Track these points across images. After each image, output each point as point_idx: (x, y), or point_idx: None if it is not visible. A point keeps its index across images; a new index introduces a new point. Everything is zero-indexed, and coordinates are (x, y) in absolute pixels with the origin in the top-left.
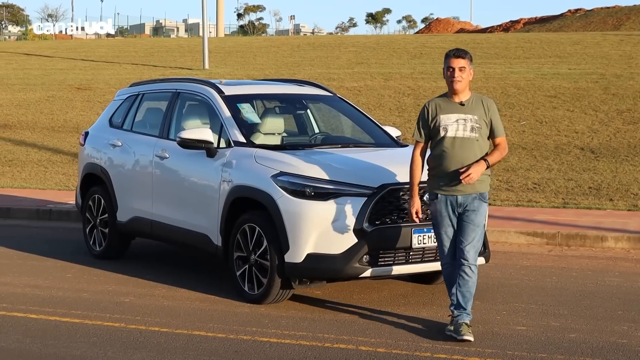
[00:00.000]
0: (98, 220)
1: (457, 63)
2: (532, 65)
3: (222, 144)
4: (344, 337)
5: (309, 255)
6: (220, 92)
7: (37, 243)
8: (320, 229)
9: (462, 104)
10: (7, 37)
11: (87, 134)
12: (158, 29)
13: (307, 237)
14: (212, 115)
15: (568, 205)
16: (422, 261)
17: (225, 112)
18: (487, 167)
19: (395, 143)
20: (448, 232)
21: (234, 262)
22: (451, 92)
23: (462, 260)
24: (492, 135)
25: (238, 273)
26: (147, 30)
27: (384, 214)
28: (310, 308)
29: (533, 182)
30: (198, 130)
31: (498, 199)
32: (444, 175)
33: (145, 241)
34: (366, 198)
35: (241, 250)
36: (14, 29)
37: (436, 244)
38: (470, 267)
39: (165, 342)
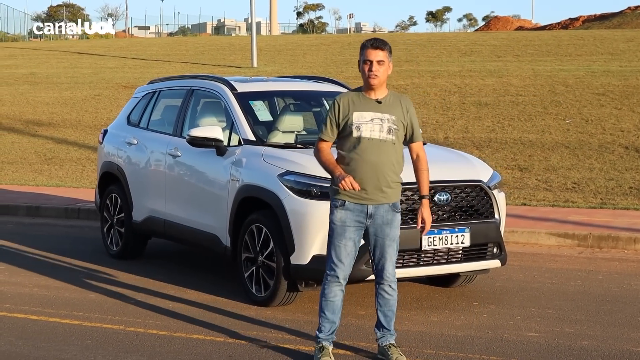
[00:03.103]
0: (115, 219)
1: (375, 55)
2: (583, 62)
3: (234, 142)
4: (345, 342)
5: (314, 257)
6: (232, 89)
7: (59, 242)
8: (326, 230)
9: (379, 101)
10: (70, 35)
11: (105, 132)
12: (219, 28)
13: (313, 238)
14: (224, 112)
15: (605, 206)
16: (433, 264)
17: (237, 109)
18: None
19: None
20: (348, 246)
21: (242, 263)
22: (367, 88)
23: (382, 279)
24: (409, 140)
25: (246, 274)
26: (209, 29)
27: None
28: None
29: (573, 181)
30: (207, 128)
31: (534, 199)
32: (356, 182)
33: (164, 241)
34: None
35: (249, 251)
36: (76, 29)
37: (447, 245)
38: (390, 285)
39: (160, 345)
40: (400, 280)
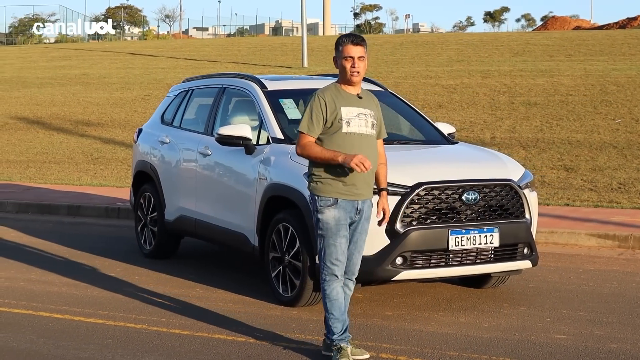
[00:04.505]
0: (148, 218)
1: (357, 52)
2: (636, 61)
3: (263, 140)
4: (368, 344)
5: None
6: (263, 87)
7: (95, 241)
8: None
9: (359, 96)
10: (130, 37)
11: (140, 131)
12: (277, 29)
13: None
14: (254, 110)
15: None
16: (460, 264)
17: (266, 107)
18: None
19: (446, 140)
20: (343, 243)
21: (269, 262)
22: (346, 83)
23: (351, 273)
24: (377, 135)
25: (273, 274)
26: (266, 31)
27: (419, 213)
28: None
29: (619, 182)
30: (236, 126)
31: (578, 199)
32: (346, 178)
33: (198, 240)
34: (400, 197)
35: (276, 251)
36: (135, 30)
37: (476, 245)
38: (353, 281)
39: (180, 345)
40: (427, 280)
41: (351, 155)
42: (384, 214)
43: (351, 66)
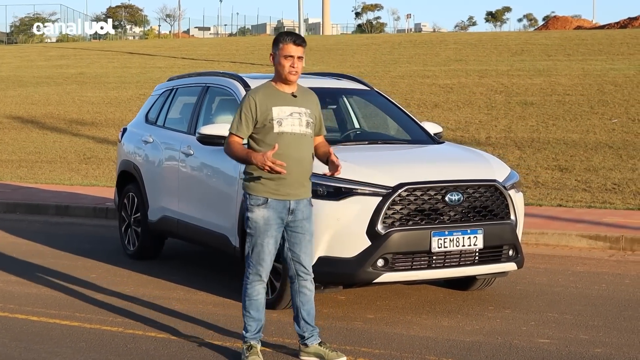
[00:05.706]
0: (132, 219)
1: (297, 51)
2: (635, 61)
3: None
4: (346, 347)
5: (320, 259)
6: (246, 85)
7: (81, 242)
8: (332, 231)
9: (294, 95)
10: (132, 37)
11: (125, 130)
12: (279, 29)
13: (318, 239)
14: None
15: None
16: (444, 266)
17: None
18: None
19: (432, 140)
20: (270, 244)
21: None
22: (282, 82)
23: (303, 274)
24: (316, 134)
25: None
26: (268, 30)
27: (401, 214)
28: (326, 314)
29: (613, 182)
30: (217, 125)
31: (571, 200)
32: (277, 178)
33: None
34: (381, 198)
35: None
36: (136, 30)
37: (459, 247)
38: (311, 280)
39: (155, 348)
40: (410, 283)
41: (259, 155)
42: (338, 163)
43: (290, 65)
